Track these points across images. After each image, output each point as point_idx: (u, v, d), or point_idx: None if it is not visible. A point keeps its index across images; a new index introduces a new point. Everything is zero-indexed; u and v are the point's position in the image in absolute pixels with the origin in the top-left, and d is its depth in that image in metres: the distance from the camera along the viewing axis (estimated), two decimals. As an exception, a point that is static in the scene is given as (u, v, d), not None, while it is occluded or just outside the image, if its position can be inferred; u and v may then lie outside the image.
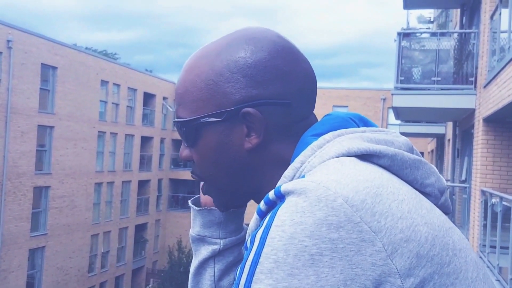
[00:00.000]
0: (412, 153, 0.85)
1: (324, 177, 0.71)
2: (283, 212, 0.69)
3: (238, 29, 0.91)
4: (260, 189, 0.87)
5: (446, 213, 0.87)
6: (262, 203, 0.75)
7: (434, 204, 0.83)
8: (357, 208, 0.68)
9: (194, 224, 1.04)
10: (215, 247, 1.02)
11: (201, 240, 1.03)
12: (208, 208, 1.02)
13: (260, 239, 0.69)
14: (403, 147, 0.84)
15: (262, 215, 0.75)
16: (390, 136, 0.85)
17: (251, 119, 0.83)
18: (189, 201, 1.06)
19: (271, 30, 0.90)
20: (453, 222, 12.57)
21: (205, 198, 1.04)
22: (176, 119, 0.89)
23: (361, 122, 0.90)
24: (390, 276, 0.67)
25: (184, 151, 0.92)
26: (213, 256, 1.02)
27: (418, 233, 0.70)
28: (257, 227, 0.75)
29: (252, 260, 0.68)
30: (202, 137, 0.87)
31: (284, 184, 0.72)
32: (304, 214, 0.67)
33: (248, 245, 0.72)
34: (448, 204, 0.87)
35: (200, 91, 0.86)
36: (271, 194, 0.73)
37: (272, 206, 0.73)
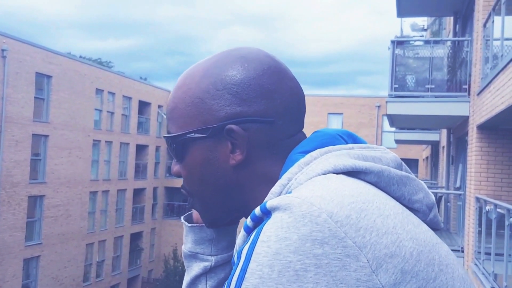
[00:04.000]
0: (401, 170, 0.86)
1: (309, 193, 0.71)
2: (269, 228, 0.69)
3: (228, 49, 0.93)
4: (247, 206, 0.88)
5: (435, 229, 0.87)
6: (248, 219, 0.76)
7: (423, 220, 0.84)
8: (341, 224, 0.68)
9: (186, 240, 1.05)
10: (207, 264, 1.02)
11: (193, 256, 1.03)
12: (200, 225, 1.03)
13: (246, 255, 0.69)
14: (391, 164, 0.84)
15: (248, 231, 0.76)
16: (379, 152, 0.86)
17: (234, 136, 0.85)
18: (182, 218, 1.07)
19: (260, 50, 0.92)
20: (448, 229, 12.60)
21: (197, 215, 1.04)
22: (165, 135, 0.92)
23: (350, 138, 0.90)
24: None
25: (175, 167, 0.93)
26: (205, 273, 1.02)
27: (403, 249, 0.70)
28: (244, 243, 0.76)
29: (238, 275, 0.69)
30: (189, 153, 0.89)
31: (270, 200, 0.73)
32: (289, 230, 0.67)
33: (235, 261, 0.72)
34: (437, 220, 0.87)
35: (188, 107, 0.88)
36: (257, 210, 0.74)
37: (259, 222, 0.74)
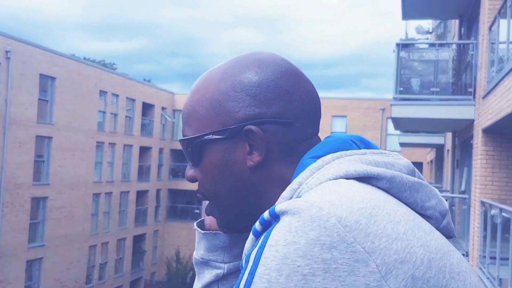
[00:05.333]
0: (414, 176, 0.85)
1: (318, 197, 0.71)
2: (277, 232, 0.69)
3: (244, 54, 0.94)
4: (263, 209, 0.86)
5: (449, 236, 0.86)
6: (257, 223, 0.76)
7: (436, 227, 0.83)
8: (350, 229, 0.68)
9: (198, 247, 1.04)
10: (219, 271, 1.00)
11: (205, 263, 1.02)
12: (214, 232, 1.02)
13: (254, 259, 0.69)
14: (403, 170, 0.84)
15: (257, 235, 0.76)
16: (391, 158, 0.85)
17: (253, 137, 0.85)
18: (194, 224, 1.06)
19: (276, 54, 0.93)
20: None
21: (209, 221, 1.03)
22: (182, 138, 0.92)
23: (362, 144, 0.90)
24: None
25: (189, 172, 0.93)
26: (217, 280, 1.00)
27: (414, 255, 0.69)
28: (252, 247, 0.75)
29: (246, 280, 0.69)
30: (206, 155, 0.89)
31: (279, 204, 0.72)
32: (297, 234, 0.67)
33: (243, 265, 0.72)
34: (451, 227, 0.87)
35: (205, 110, 0.88)
36: (266, 214, 0.74)
37: (267, 226, 0.73)
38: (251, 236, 0.77)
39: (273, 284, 0.66)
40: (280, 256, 0.67)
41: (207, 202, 0.97)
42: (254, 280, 0.68)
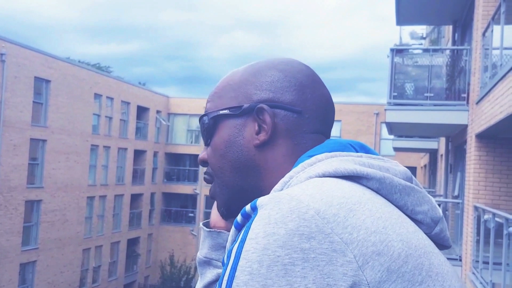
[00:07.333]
0: (411, 183, 0.86)
1: (299, 191, 0.73)
2: (257, 225, 0.70)
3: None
4: (261, 194, 0.89)
5: (443, 246, 0.87)
6: (239, 215, 0.77)
7: (427, 233, 0.84)
8: (328, 221, 0.69)
9: (202, 246, 1.07)
10: (221, 270, 1.01)
11: (207, 263, 1.04)
12: (218, 230, 1.05)
13: (236, 253, 0.70)
14: (399, 175, 0.85)
15: (238, 227, 0.77)
16: (388, 163, 0.87)
17: (263, 117, 0.91)
18: (201, 223, 1.09)
19: (298, 60, 1.01)
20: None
21: (214, 220, 1.07)
22: (200, 116, 1.00)
23: (362, 149, 0.92)
24: (361, 287, 0.68)
25: (202, 154, 1.00)
26: (218, 280, 1.01)
27: (391, 248, 0.71)
28: (234, 240, 0.78)
29: (229, 274, 0.70)
30: (218, 131, 0.95)
31: (261, 197, 0.74)
32: (277, 225, 0.69)
33: (225, 260, 0.74)
34: (445, 236, 0.87)
35: (227, 92, 0.97)
36: (247, 207, 0.76)
37: (248, 218, 0.75)
38: (233, 229, 0.79)
39: (255, 276, 0.67)
40: (261, 247, 0.68)
41: (211, 201, 0.99)
42: (236, 273, 0.69)
